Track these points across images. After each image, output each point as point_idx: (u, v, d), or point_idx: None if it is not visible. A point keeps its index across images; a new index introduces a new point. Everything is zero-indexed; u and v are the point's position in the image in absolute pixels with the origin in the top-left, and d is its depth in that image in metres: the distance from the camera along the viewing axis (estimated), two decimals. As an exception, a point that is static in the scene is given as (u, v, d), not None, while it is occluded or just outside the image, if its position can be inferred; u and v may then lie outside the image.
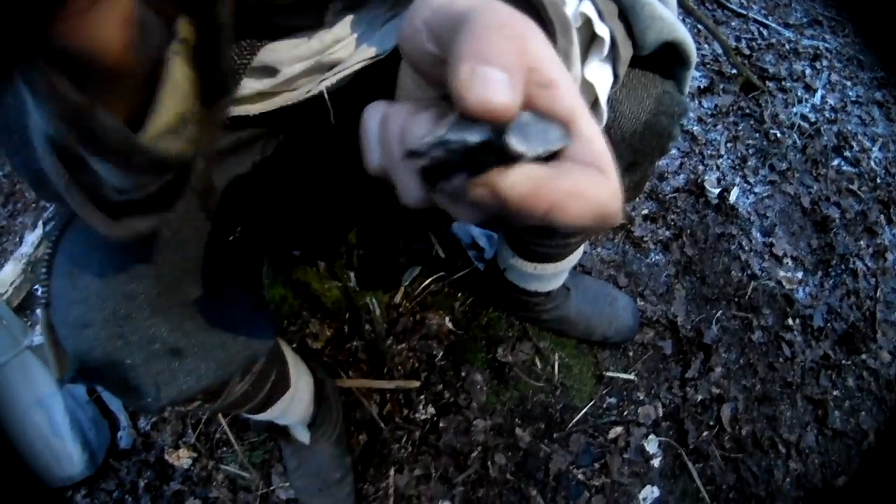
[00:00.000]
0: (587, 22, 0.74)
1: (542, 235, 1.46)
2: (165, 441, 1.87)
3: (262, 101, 1.00)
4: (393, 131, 0.49)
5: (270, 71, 0.95)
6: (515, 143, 0.41)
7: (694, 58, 0.89)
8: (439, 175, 0.44)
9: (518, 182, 0.40)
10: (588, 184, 0.42)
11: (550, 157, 0.44)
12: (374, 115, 0.52)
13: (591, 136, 0.45)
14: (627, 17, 0.78)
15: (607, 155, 0.45)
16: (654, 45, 0.81)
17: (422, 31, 0.48)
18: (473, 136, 0.41)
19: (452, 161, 0.42)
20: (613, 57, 0.79)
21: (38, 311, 1.01)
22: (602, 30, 0.74)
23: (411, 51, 0.50)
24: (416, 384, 1.89)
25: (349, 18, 0.95)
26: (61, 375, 0.98)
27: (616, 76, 0.80)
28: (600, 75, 0.78)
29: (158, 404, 0.98)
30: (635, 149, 1.02)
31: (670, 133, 1.03)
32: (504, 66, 0.41)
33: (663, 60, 0.90)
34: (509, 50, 0.42)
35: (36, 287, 2.03)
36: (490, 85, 0.40)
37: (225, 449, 1.87)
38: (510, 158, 0.41)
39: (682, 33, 0.83)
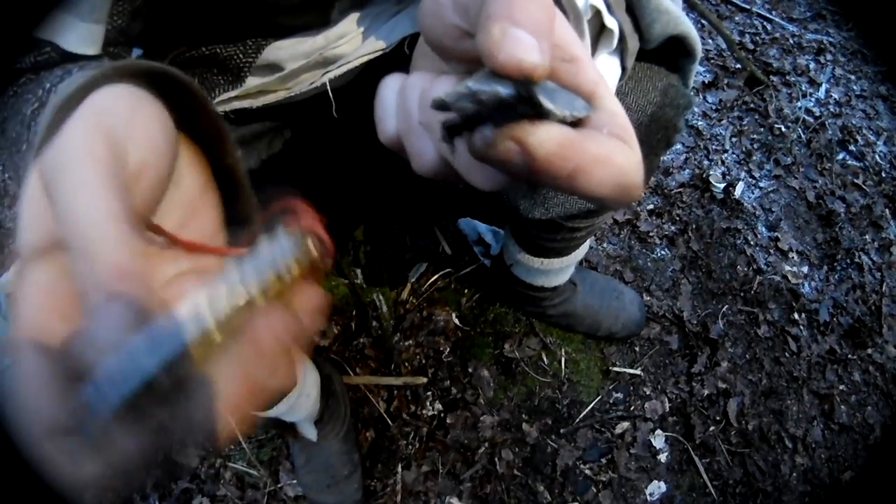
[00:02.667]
0: (597, 14, 0.74)
1: (548, 230, 1.47)
2: (170, 438, 1.88)
3: (265, 95, 1.02)
4: (412, 96, 0.49)
5: (274, 67, 0.96)
6: (546, 101, 0.40)
7: (699, 51, 0.91)
8: (464, 127, 0.43)
9: (547, 138, 0.39)
10: (614, 151, 0.41)
11: (573, 127, 0.43)
12: (392, 84, 0.53)
13: (615, 109, 0.45)
14: (634, 10, 0.80)
15: (631, 129, 0.45)
16: (660, 38, 0.82)
17: (447, 5, 0.47)
18: (505, 89, 0.40)
19: (480, 114, 0.41)
20: (621, 49, 0.80)
21: None
22: (611, 22, 0.76)
23: (433, 25, 0.49)
24: (424, 380, 1.90)
25: (355, 15, 0.97)
26: None
27: (623, 68, 0.82)
28: (608, 67, 0.80)
29: None
30: (641, 141, 1.02)
31: (675, 125, 1.05)
32: (534, 31, 0.41)
33: (668, 54, 0.91)
34: (540, 18, 0.42)
35: None
36: (521, 44, 0.40)
37: (232, 447, 1.88)
38: (539, 115, 0.40)
39: (688, 27, 0.84)
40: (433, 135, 0.47)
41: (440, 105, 0.43)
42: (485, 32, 0.41)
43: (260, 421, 1.80)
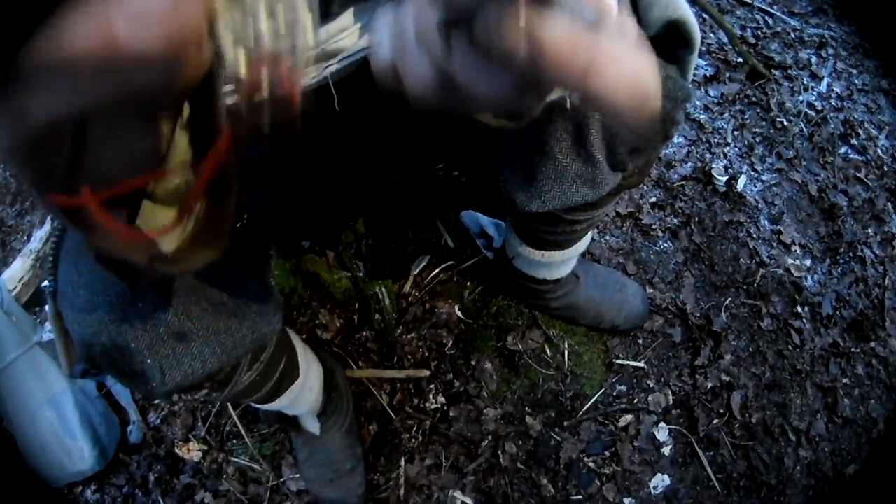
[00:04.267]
0: None
1: (548, 222, 1.46)
2: (175, 434, 1.88)
3: None
4: (407, 17, 0.46)
5: None
6: None
7: (698, 40, 0.89)
8: (464, 18, 0.39)
9: (559, 26, 0.36)
10: (632, 52, 0.39)
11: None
12: (385, 16, 0.50)
13: (629, 25, 0.42)
14: None
15: (646, 45, 0.43)
16: (658, 23, 0.81)
17: None
18: None
19: (479, 3, 0.38)
20: None
21: (47, 305, 1.01)
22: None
23: None
24: (426, 373, 1.91)
25: (355, 7, 0.95)
26: (70, 365, 0.99)
27: None
28: None
29: (164, 389, 0.98)
30: (638, 133, 1.02)
31: (673, 118, 1.02)
32: None
33: (667, 44, 0.89)
34: None
35: (44, 283, 2.04)
36: None
37: (235, 441, 1.88)
38: (549, 4, 0.37)
39: (686, 12, 0.83)
40: (430, 49, 0.44)
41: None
42: None
43: (262, 414, 1.81)
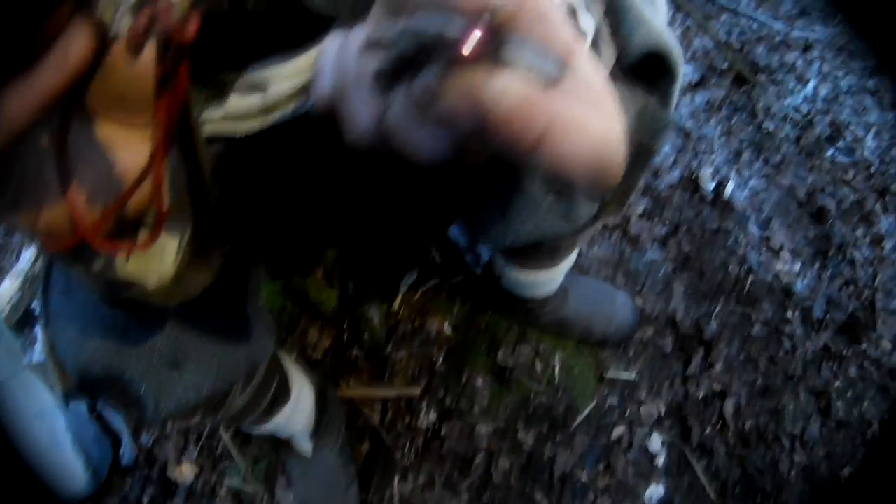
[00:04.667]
0: (571, 14, 0.67)
1: (530, 245, 1.46)
2: (168, 456, 1.88)
3: (249, 121, 0.99)
4: (351, 50, 0.42)
5: (258, 87, 0.95)
6: (510, 48, 0.33)
7: (681, 71, 0.85)
8: (402, 74, 0.35)
9: (509, 90, 0.32)
10: (592, 116, 0.35)
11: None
12: (336, 39, 0.45)
13: (592, 73, 0.39)
14: (612, 18, 0.74)
15: (610, 99, 0.39)
16: (639, 51, 0.76)
17: None
18: (455, 27, 0.33)
19: (423, 55, 0.34)
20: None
21: (37, 328, 1.02)
22: (587, 22, 0.69)
23: None
24: (418, 391, 1.91)
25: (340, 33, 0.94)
26: (66, 394, 0.99)
27: None
28: None
29: (159, 417, 0.98)
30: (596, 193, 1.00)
31: (651, 149, 0.99)
32: None
33: (648, 73, 0.85)
34: None
35: (33, 304, 2.04)
36: None
37: (228, 463, 1.89)
38: (500, 62, 0.33)
39: (669, 42, 0.78)
40: (367, 94, 0.40)
41: (374, 44, 0.36)
42: None
43: (255, 436, 1.81)
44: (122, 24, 0.37)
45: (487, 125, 0.33)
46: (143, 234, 0.57)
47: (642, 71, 0.81)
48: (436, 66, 0.33)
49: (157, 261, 0.63)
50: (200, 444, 1.89)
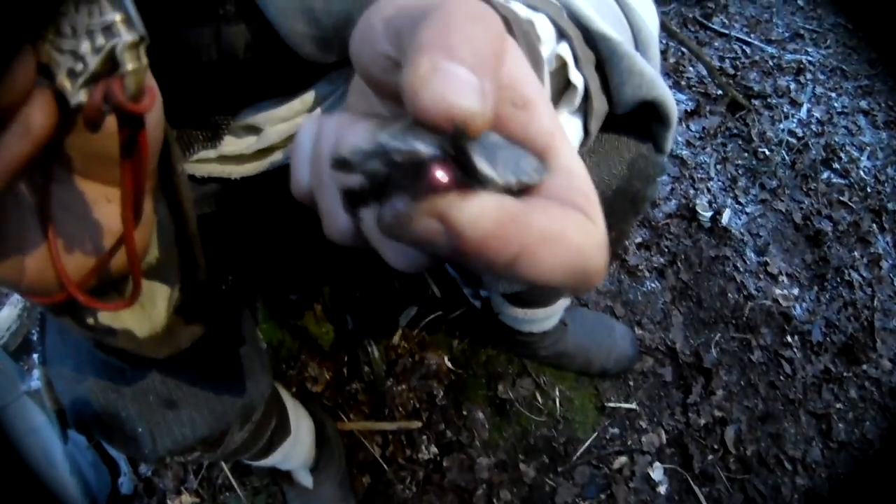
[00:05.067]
0: (562, 67, 0.68)
1: (522, 296, 1.46)
2: (167, 486, 1.89)
3: (244, 165, 1.00)
4: (326, 143, 0.40)
5: (252, 129, 0.95)
6: (483, 164, 0.32)
7: (674, 118, 0.82)
8: (371, 196, 0.34)
9: (482, 214, 0.30)
10: (569, 226, 0.33)
11: (519, 194, 0.34)
12: (310, 127, 0.43)
13: (574, 170, 0.37)
14: (605, 69, 0.73)
15: (593, 195, 0.37)
16: (631, 102, 0.75)
17: (378, 30, 0.39)
18: (426, 147, 0.31)
19: (392, 178, 0.32)
20: (585, 110, 0.73)
21: (35, 356, 1.03)
22: (576, 77, 0.69)
23: (361, 52, 0.41)
24: (418, 424, 1.92)
25: (333, 75, 0.94)
26: (64, 432, 1.00)
27: (587, 132, 0.74)
28: (569, 129, 0.72)
29: (156, 455, 0.98)
30: (605, 213, 0.97)
31: (644, 196, 0.96)
32: (476, 65, 0.32)
33: (641, 119, 0.83)
34: (485, 48, 0.34)
35: (32, 332, 2.05)
36: (455, 84, 0.32)
37: (227, 494, 1.89)
38: (473, 181, 0.32)
39: (662, 91, 0.76)
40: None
41: (341, 164, 0.34)
42: (410, 66, 0.33)
43: (255, 468, 1.81)
44: (81, 95, 0.37)
45: (461, 248, 0.31)
46: (127, 292, 0.57)
47: (636, 116, 0.81)
48: (405, 192, 0.31)
49: (148, 312, 0.65)
50: (200, 474, 1.90)
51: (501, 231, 0.30)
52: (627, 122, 0.84)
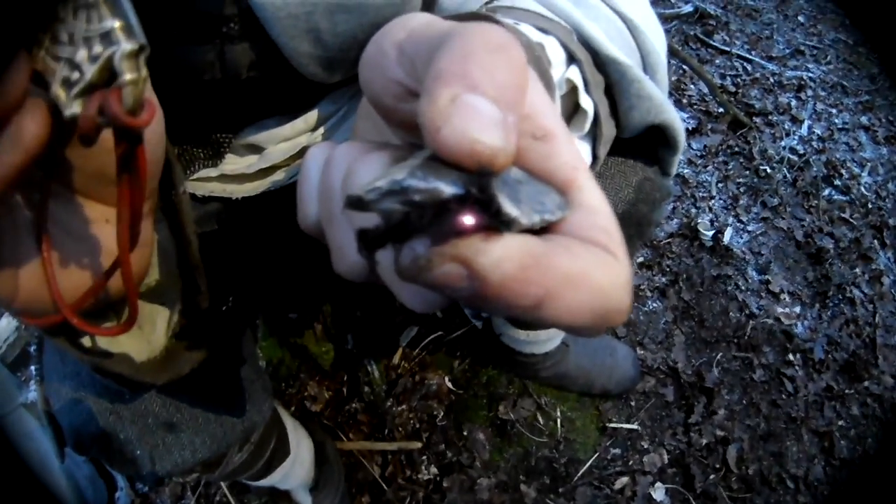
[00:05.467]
0: (572, 91, 0.67)
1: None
2: (164, 502, 1.87)
3: (245, 184, 0.99)
4: (335, 175, 0.38)
5: (254, 148, 0.95)
6: (507, 204, 0.30)
7: (682, 143, 0.81)
8: (388, 238, 0.31)
9: (506, 257, 0.29)
10: (592, 266, 0.31)
11: (540, 231, 0.33)
12: (318, 157, 0.42)
13: (596, 205, 0.35)
14: (613, 93, 0.71)
15: (616, 232, 0.35)
16: (639, 127, 0.74)
17: (390, 56, 0.37)
18: (448, 187, 0.29)
19: (411, 220, 0.30)
20: (594, 135, 0.72)
21: (32, 367, 1.01)
22: (587, 102, 0.67)
23: (372, 79, 0.39)
24: (418, 445, 1.91)
25: (337, 94, 0.93)
26: (61, 451, 1.00)
27: (595, 157, 0.73)
28: None
29: (155, 476, 0.98)
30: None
31: (650, 220, 0.95)
32: (499, 98, 0.31)
33: (647, 142, 0.82)
34: (509, 80, 0.32)
35: (30, 343, 2.04)
36: (479, 119, 0.30)
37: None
38: (496, 224, 0.29)
39: (671, 116, 0.74)
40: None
41: (355, 203, 0.31)
42: (429, 98, 0.31)
43: (253, 488, 1.81)
44: (75, 106, 0.36)
45: (483, 293, 0.29)
46: (124, 316, 0.56)
47: (642, 139, 0.79)
48: (425, 233, 0.29)
49: (147, 336, 0.64)
50: (198, 491, 1.88)
51: (525, 274, 0.29)
52: (633, 144, 0.83)
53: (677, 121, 0.76)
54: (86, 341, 0.60)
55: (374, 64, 0.38)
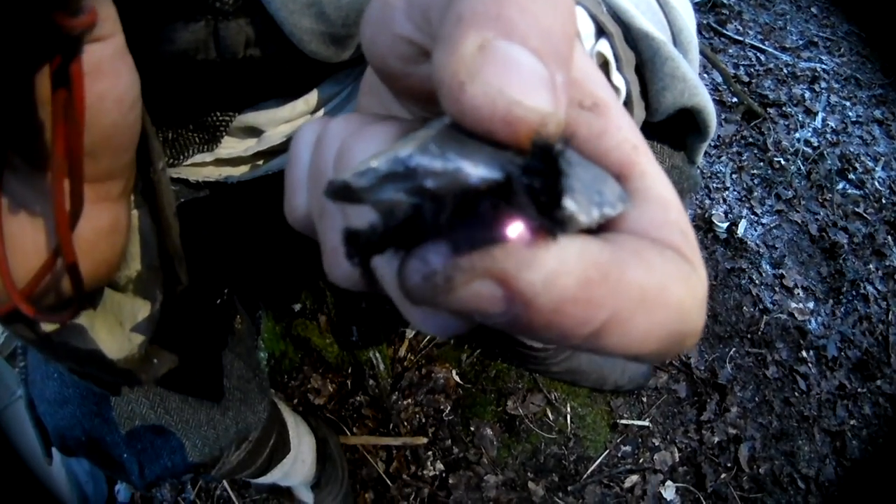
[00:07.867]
0: (603, 66, 0.61)
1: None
2: (164, 497, 1.85)
3: (239, 168, 0.94)
4: (328, 155, 0.31)
5: (253, 131, 0.90)
6: (566, 198, 0.21)
7: (713, 128, 0.72)
8: (387, 242, 0.22)
9: (563, 272, 0.21)
10: (669, 278, 0.24)
11: (597, 231, 0.25)
12: (308, 135, 0.34)
13: (666, 196, 0.28)
14: (644, 72, 0.65)
15: (691, 231, 0.28)
16: (671, 109, 0.67)
17: (398, 7, 0.29)
18: (477, 168, 0.21)
19: (420, 216, 0.21)
20: None
21: (21, 365, 0.97)
22: (619, 80, 0.62)
23: (376, 37, 0.30)
24: (424, 440, 1.88)
25: (341, 74, 0.87)
26: (48, 452, 0.95)
27: None
28: None
29: (143, 482, 0.93)
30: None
31: None
32: (543, 48, 0.23)
33: (675, 127, 0.75)
34: (556, 27, 0.24)
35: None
36: (517, 74, 0.22)
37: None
38: (548, 225, 0.21)
39: (704, 98, 0.68)
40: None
41: (340, 192, 0.23)
42: (448, 46, 0.23)
43: (254, 485, 1.77)
44: None
45: (528, 319, 0.22)
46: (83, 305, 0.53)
47: (668, 123, 0.72)
48: (443, 238, 0.21)
49: (127, 332, 0.60)
50: (198, 485, 1.86)
51: (587, 293, 0.21)
52: (660, 129, 0.75)
53: (710, 105, 0.69)
54: (47, 327, 0.54)
55: (378, 19, 0.30)
